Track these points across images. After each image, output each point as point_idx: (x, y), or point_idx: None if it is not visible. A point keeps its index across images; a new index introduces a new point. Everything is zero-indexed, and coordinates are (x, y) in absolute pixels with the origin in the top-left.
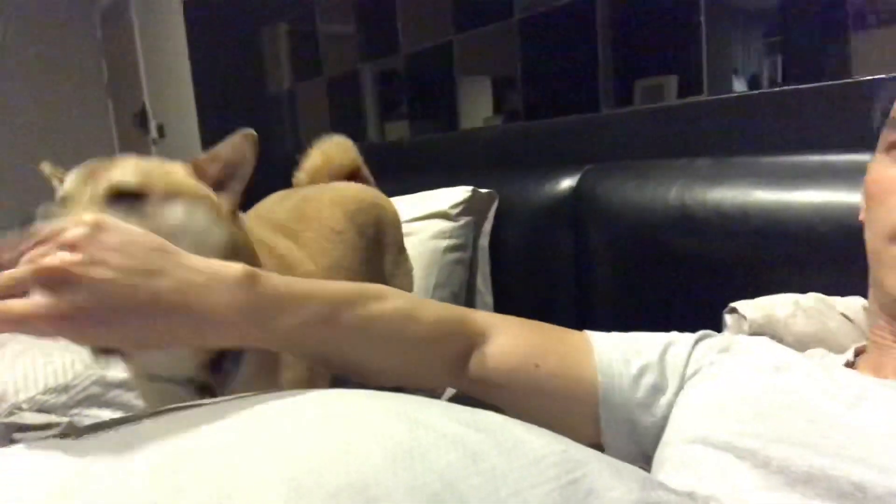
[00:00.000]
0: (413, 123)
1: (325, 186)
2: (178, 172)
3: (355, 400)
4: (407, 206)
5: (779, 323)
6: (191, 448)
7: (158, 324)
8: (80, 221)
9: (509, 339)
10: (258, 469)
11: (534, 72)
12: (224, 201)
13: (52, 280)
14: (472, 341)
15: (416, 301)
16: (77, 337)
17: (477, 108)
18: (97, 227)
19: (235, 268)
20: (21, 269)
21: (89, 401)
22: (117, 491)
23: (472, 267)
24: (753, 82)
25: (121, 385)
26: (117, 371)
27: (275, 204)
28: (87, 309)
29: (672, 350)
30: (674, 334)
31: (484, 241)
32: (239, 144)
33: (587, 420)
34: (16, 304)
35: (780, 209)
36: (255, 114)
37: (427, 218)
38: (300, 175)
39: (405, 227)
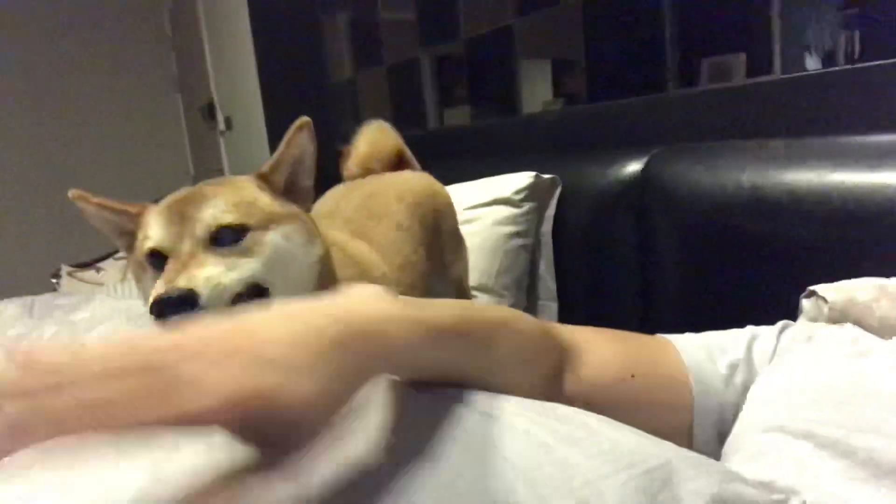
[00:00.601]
0: (474, 109)
1: (386, 179)
2: (263, 198)
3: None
4: (470, 192)
5: (861, 307)
6: None
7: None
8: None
9: (599, 353)
10: None
11: (597, 52)
12: (301, 202)
13: None
14: (563, 356)
15: (514, 313)
16: None
17: (537, 91)
18: None
19: None
20: None
21: None
22: None
23: (534, 253)
24: (828, 59)
25: None
26: None
27: (340, 199)
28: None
29: (757, 344)
30: (754, 328)
31: (547, 226)
32: (295, 138)
33: (681, 427)
34: None
35: (859, 191)
36: (317, 103)
37: (491, 204)
38: (351, 166)
39: (469, 214)
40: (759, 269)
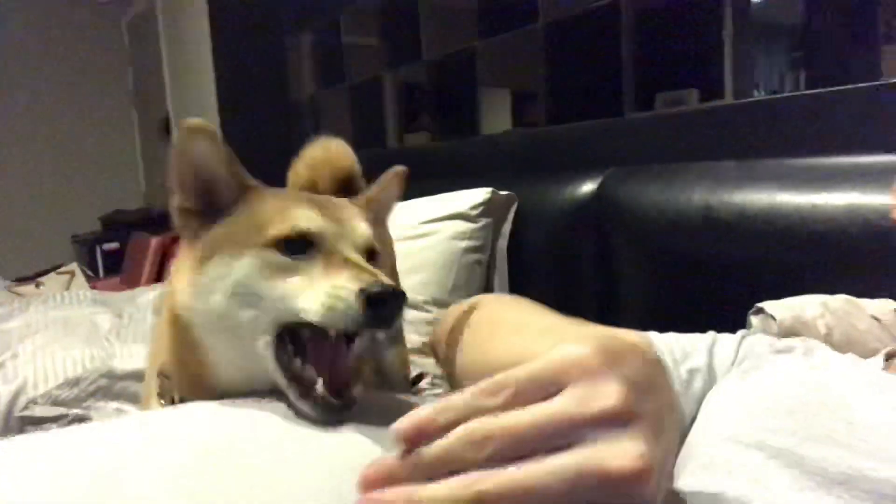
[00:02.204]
0: (434, 133)
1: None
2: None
3: None
4: (427, 206)
5: (807, 324)
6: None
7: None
8: (575, 362)
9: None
10: None
11: (557, 77)
12: None
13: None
14: None
15: None
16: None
17: (498, 116)
18: (614, 369)
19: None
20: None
21: (99, 393)
22: None
23: (490, 268)
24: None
25: (127, 377)
26: (123, 363)
27: None
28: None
29: (717, 350)
30: (716, 334)
31: (502, 242)
32: (389, 184)
33: None
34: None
35: (806, 211)
36: (277, 121)
37: (447, 219)
38: (298, 167)
39: (425, 228)
40: (711, 285)
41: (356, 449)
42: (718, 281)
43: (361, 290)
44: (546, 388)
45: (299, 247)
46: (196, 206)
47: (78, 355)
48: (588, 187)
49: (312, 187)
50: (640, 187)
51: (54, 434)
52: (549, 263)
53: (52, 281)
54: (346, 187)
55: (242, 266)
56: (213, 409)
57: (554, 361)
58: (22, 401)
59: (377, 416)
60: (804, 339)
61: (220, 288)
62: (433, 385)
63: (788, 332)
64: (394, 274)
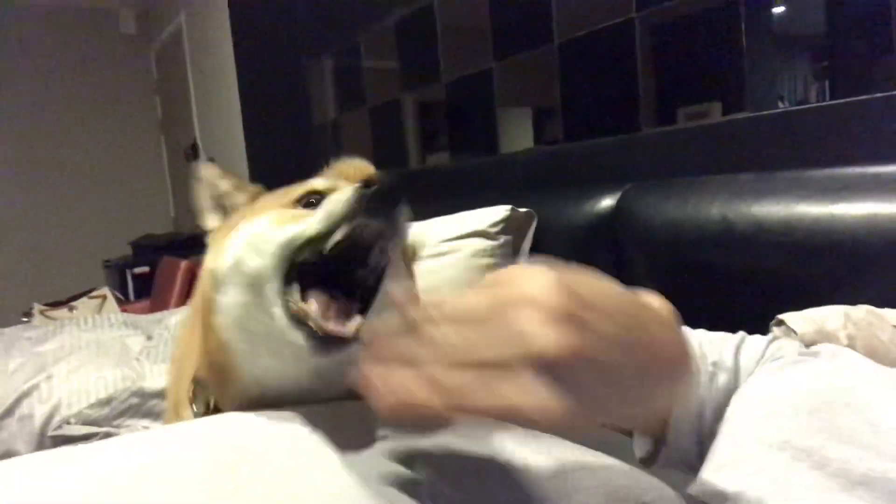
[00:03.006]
0: (453, 152)
1: None
2: None
3: None
4: (447, 225)
5: (829, 336)
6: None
7: (666, 391)
8: (545, 285)
9: None
10: None
11: (574, 95)
12: None
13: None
14: None
15: None
16: (584, 423)
17: (517, 134)
18: (563, 283)
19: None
20: (503, 349)
21: (130, 411)
22: None
23: None
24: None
25: (156, 395)
26: (153, 382)
27: None
28: (593, 390)
29: (745, 348)
30: (744, 334)
31: (523, 260)
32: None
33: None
34: (522, 398)
35: (825, 222)
36: (300, 144)
37: (467, 237)
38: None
39: (445, 246)
40: (730, 299)
41: (370, 465)
42: (737, 294)
43: (356, 189)
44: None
45: (315, 197)
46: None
47: (110, 376)
48: (607, 203)
49: None
50: (658, 202)
51: (79, 448)
52: None
53: (84, 305)
54: None
55: (259, 222)
56: (232, 420)
57: (501, 273)
58: (56, 420)
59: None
60: (830, 345)
61: (237, 243)
62: None
63: (810, 344)
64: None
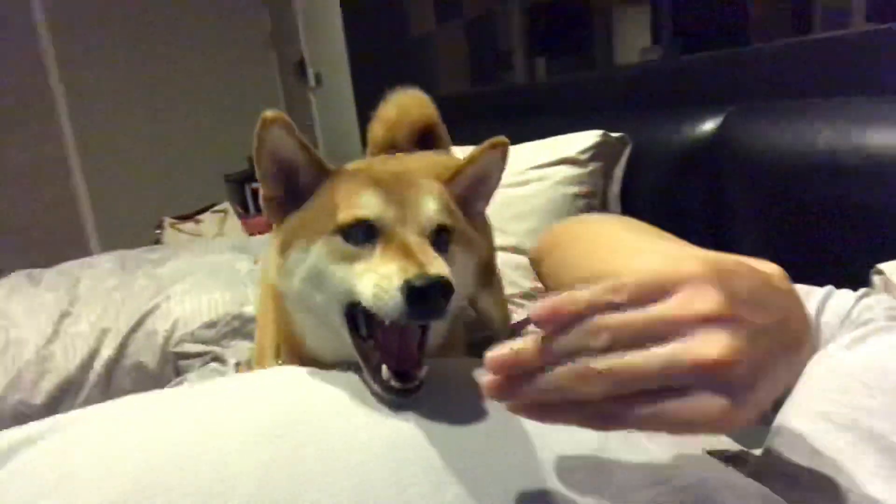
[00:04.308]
0: (550, 61)
1: (413, 163)
2: (458, 212)
3: None
4: (534, 151)
5: None
6: None
7: (796, 367)
8: (687, 275)
9: None
10: None
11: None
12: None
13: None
14: None
15: None
16: (746, 423)
17: (629, 39)
18: (719, 282)
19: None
20: (656, 362)
21: (232, 333)
22: None
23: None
24: None
25: (253, 320)
26: (251, 308)
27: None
28: (757, 388)
29: (832, 302)
30: (831, 288)
31: (615, 188)
32: (483, 155)
33: None
34: (690, 408)
35: None
36: (399, 59)
37: (555, 164)
38: (375, 127)
39: (532, 174)
40: (835, 235)
41: (414, 428)
42: (844, 234)
43: (405, 283)
44: (656, 294)
45: (363, 231)
46: (279, 194)
47: (219, 298)
48: (707, 127)
49: (392, 146)
50: (762, 128)
51: (160, 395)
52: (663, 209)
53: (208, 219)
54: (426, 140)
55: (313, 253)
56: (297, 376)
57: (666, 272)
58: (175, 337)
59: (446, 393)
60: None
61: (297, 272)
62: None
63: None
64: (489, 260)
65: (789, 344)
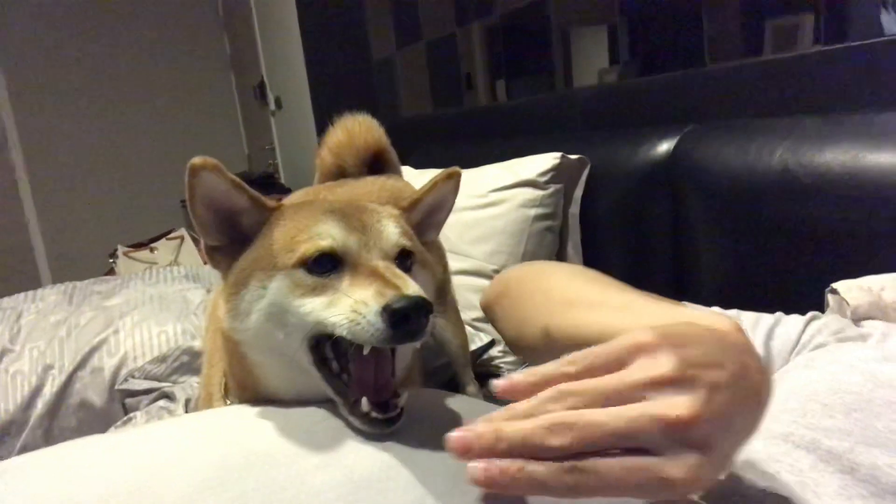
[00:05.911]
0: (510, 83)
1: (361, 189)
2: (415, 236)
3: None
4: (494, 174)
5: (885, 310)
6: None
7: (758, 417)
8: (639, 344)
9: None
10: None
11: (635, 20)
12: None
13: (674, 432)
14: None
15: None
16: (714, 481)
17: (587, 60)
18: (671, 347)
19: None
20: (618, 422)
21: (182, 368)
22: None
23: (562, 235)
24: None
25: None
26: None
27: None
28: (722, 446)
29: (779, 331)
30: (781, 315)
31: (574, 208)
32: (441, 185)
33: None
34: (662, 463)
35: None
36: (360, 82)
37: (515, 187)
38: (323, 153)
39: (493, 196)
40: (790, 253)
41: (377, 458)
42: (799, 250)
43: (384, 308)
44: (615, 364)
45: (328, 261)
46: (222, 242)
47: (171, 330)
48: (664, 147)
49: (341, 172)
50: (718, 147)
51: (99, 439)
52: (622, 229)
53: (164, 246)
54: (375, 165)
55: (274, 289)
56: (247, 416)
57: (623, 343)
58: (123, 374)
59: (422, 423)
60: (882, 323)
61: (254, 311)
62: (505, 353)
63: (864, 317)
64: (442, 284)
65: (748, 396)
